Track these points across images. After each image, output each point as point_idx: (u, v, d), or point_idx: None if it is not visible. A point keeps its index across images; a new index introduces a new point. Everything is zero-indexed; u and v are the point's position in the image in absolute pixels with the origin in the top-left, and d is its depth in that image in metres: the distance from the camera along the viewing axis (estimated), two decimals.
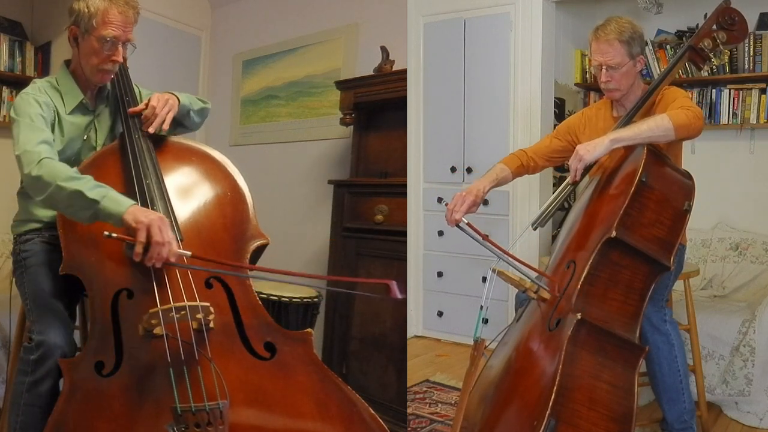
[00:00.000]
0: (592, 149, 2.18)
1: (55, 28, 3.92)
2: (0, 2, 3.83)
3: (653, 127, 2.17)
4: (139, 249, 1.74)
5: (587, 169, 2.31)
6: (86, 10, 2.04)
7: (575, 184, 2.34)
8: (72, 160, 2.14)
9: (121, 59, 2.12)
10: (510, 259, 2.19)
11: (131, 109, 2.17)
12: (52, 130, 2.07)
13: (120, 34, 2.07)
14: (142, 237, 1.74)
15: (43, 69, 3.92)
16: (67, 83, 2.17)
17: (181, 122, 2.30)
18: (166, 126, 2.15)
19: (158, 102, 2.15)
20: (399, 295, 1.70)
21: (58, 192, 1.82)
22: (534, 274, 2.20)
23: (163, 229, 1.76)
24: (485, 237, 2.21)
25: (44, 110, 2.04)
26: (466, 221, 2.32)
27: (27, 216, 2.18)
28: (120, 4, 2.06)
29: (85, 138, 2.21)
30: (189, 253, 1.81)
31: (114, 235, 1.74)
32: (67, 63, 2.21)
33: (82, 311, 2.38)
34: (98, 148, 2.22)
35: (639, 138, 2.17)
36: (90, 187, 1.81)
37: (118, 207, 1.79)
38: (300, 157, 4.05)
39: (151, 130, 2.12)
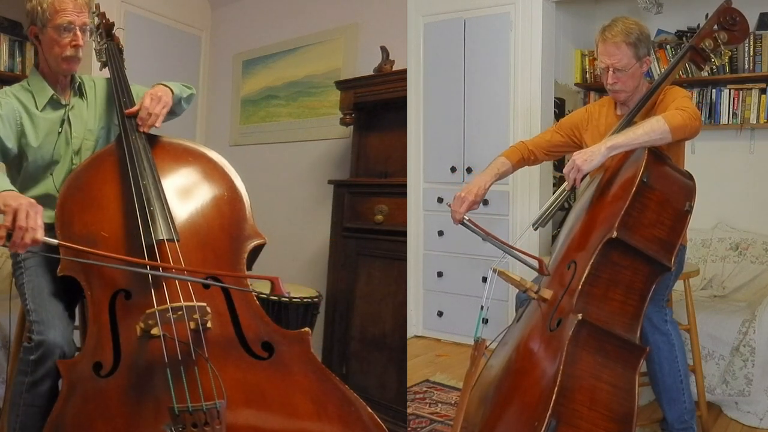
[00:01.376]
0: (590, 159, 2.16)
1: None
2: (0, 2, 3.83)
3: (649, 131, 2.15)
4: (1, 233, 1.69)
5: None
6: (39, 7, 2.13)
7: (573, 190, 2.34)
8: (51, 157, 2.20)
9: (81, 43, 2.17)
10: (514, 251, 2.23)
11: (128, 111, 2.20)
12: (22, 131, 2.15)
13: (74, 18, 2.14)
14: (7, 220, 1.70)
15: None
16: (36, 82, 2.23)
17: (173, 110, 2.34)
18: (158, 124, 2.19)
19: (151, 102, 2.19)
20: (284, 292, 1.80)
21: None
22: (536, 263, 2.21)
23: (30, 215, 1.70)
24: (487, 232, 2.26)
25: (3, 111, 2.11)
26: (468, 218, 2.38)
27: None
28: None
29: (59, 131, 2.23)
30: (55, 241, 1.78)
31: None
32: (37, 66, 2.28)
33: (82, 311, 2.37)
34: (75, 144, 2.25)
35: (635, 143, 2.16)
36: None
37: None
38: (300, 157, 4.05)
39: (146, 130, 2.17)
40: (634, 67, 2.41)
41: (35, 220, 1.71)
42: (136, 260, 1.86)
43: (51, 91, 2.22)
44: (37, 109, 2.20)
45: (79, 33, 2.15)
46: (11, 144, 2.13)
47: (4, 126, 2.11)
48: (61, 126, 2.24)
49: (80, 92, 2.31)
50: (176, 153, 2.21)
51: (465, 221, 2.39)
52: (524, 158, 2.68)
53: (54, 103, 2.23)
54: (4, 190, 1.78)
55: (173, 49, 4.41)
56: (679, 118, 2.17)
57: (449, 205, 2.50)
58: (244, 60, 4.49)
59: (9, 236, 1.69)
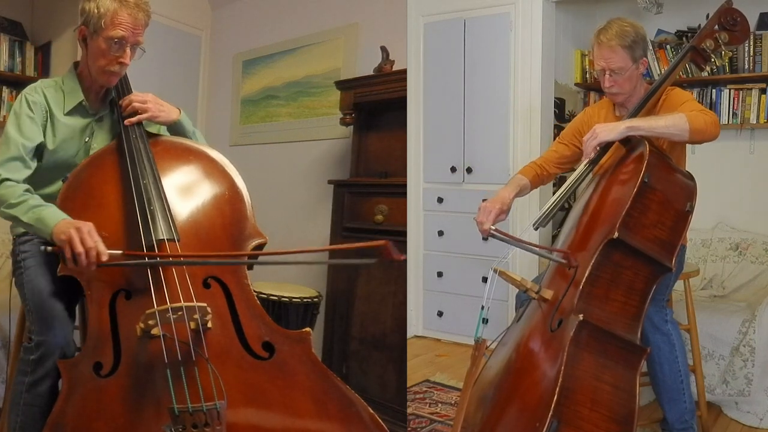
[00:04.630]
0: (609, 130, 2.20)
1: (55, 28, 3.91)
2: (0, 2, 3.82)
3: (670, 125, 2.18)
4: (68, 255, 1.81)
5: (604, 151, 2.30)
6: (96, 10, 2.05)
7: (592, 163, 2.34)
8: (67, 162, 2.17)
9: (128, 61, 2.12)
10: (547, 252, 2.24)
11: (124, 98, 2.18)
12: (44, 131, 2.11)
13: (128, 35, 2.07)
14: (67, 253, 1.81)
15: (43, 69, 3.92)
16: (70, 84, 2.18)
17: (175, 129, 2.31)
18: (139, 117, 2.15)
19: (153, 99, 2.19)
20: (397, 256, 1.65)
21: (4, 213, 1.99)
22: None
23: (84, 239, 1.80)
24: (517, 239, 2.24)
25: (34, 112, 2.09)
26: (494, 228, 2.33)
27: None
28: (130, 6, 2.06)
29: (86, 140, 2.21)
30: (120, 252, 1.86)
31: (49, 249, 1.84)
32: (76, 65, 2.22)
33: (82, 311, 2.37)
34: (93, 152, 2.21)
35: (654, 131, 2.19)
36: (25, 210, 1.93)
37: (46, 228, 1.87)
38: (300, 157, 4.04)
39: (127, 112, 2.16)
40: (631, 69, 2.41)
41: (89, 241, 1.81)
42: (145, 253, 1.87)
43: (81, 97, 2.17)
44: (63, 111, 2.15)
45: (129, 51, 2.10)
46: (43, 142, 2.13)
47: (37, 127, 2.09)
48: (85, 135, 2.21)
49: (112, 105, 2.26)
50: (177, 152, 2.20)
51: (493, 231, 2.31)
52: (538, 174, 2.67)
53: (81, 110, 2.19)
54: (55, 225, 1.86)
55: (173, 49, 4.40)
56: (702, 122, 2.19)
57: (475, 219, 2.44)
58: (244, 60, 4.49)
59: (74, 259, 1.81)
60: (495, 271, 2.20)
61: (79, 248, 1.78)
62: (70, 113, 2.16)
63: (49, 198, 2.02)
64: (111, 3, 2.05)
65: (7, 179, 1.98)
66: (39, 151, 2.12)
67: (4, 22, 3.81)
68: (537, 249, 2.27)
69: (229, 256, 2.03)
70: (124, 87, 2.25)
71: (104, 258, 1.81)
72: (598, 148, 2.24)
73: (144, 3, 2.11)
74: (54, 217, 1.88)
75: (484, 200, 2.57)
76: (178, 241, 1.93)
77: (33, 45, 3.91)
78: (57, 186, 2.17)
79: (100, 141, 2.23)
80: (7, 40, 3.77)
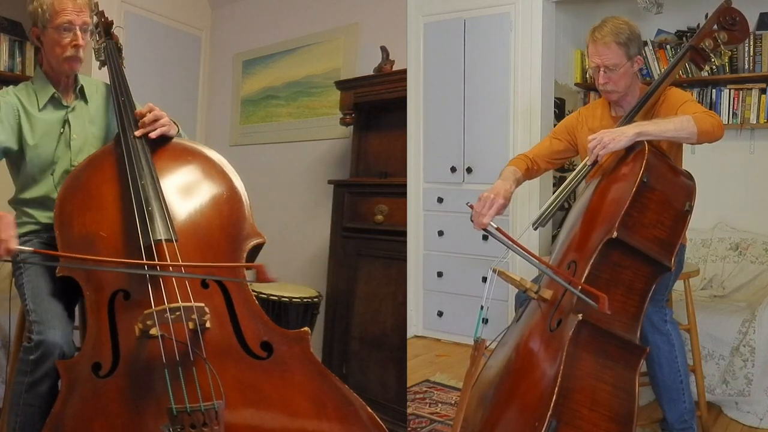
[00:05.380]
0: (618, 138, 2.15)
1: None
2: (0, 2, 3.82)
3: (679, 128, 2.17)
4: None
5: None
6: (40, 8, 2.15)
7: (593, 164, 2.31)
8: (49, 158, 2.21)
9: (82, 43, 2.19)
10: (542, 265, 2.14)
11: (138, 111, 2.20)
12: (20, 130, 2.17)
13: (74, 18, 2.15)
14: None
15: None
16: (39, 82, 2.25)
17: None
18: (154, 135, 2.16)
19: (162, 114, 2.19)
20: (270, 277, 1.74)
21: None
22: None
23: (0, 228, 1.72)
24: (515, 242, 2.07)
25: (2, 109, 2.14)
26: (495, 225, 2.17)
27: (24, 218, 2.21)
28: None
29: (62, 131, 2.24)
30: (31, 249, 1.86)
31: None
32: (41, 65, 2.30)
33: (82, 311, 2.37)
34: (76, 145, 2.25)
35: (664, 135, 2.19)
36: None
37: None
38: (300, 157, 4.05)
39: (139, 134, 2.14)
40: (625, 66, 2.41)
41: (6, 232, 1.73)
42: (133, 262, 1.86)
43: (53, 90, 2.24)
44: (38, 108, 2.21)
45: (79, 33, 2.16)
46: (12, 143, 2.15)
47: (3, 127, 2.12)
48: (62, 127, 2.24)
49: (83, 95, 2.32)
50: (175, 152, 2.20)
51: (491, 228, 2.17)
52: (529, 168, 2.64)
53: (55, 103, 2.25)
54: None
55: (173, 49, 4.41)
56: (708, 124, 2.19)
57: (471, 207, 2.28)
58: (244, 60, 4.49)
59: None
60: (494, 271, 2.20)
61: None
62: (44, 108, 2.22)
63: (38, 200, 2.03)
64: None
65: None
66: (20, 152, 2.17)
67: (4, 22, 3.81)
68: (531, 258, 2.08)
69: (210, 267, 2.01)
70: (120, 84, 2.27)
71: (13, 250, 1.73)
72: (604, 155, 2.21)
73: None
74: None
75: None
76: (176, 241, 1.93)
77: (33, 45, 3.91)
78: (45, 187, 2.20)
79: (78, 131, 2.27)
80: (7, 40, 3.77)
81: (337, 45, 3.89)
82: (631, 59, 2.42)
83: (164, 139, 2.21)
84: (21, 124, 2.17)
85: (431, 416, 3.07)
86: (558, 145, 2.68)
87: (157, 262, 1.87)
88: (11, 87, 2.25)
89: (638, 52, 2.46)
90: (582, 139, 2.56)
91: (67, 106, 2.27)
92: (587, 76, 4.29)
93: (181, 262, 1.90)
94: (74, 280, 1.92)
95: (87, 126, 2.30)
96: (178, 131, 2.30)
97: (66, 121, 2.26)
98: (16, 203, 2.26)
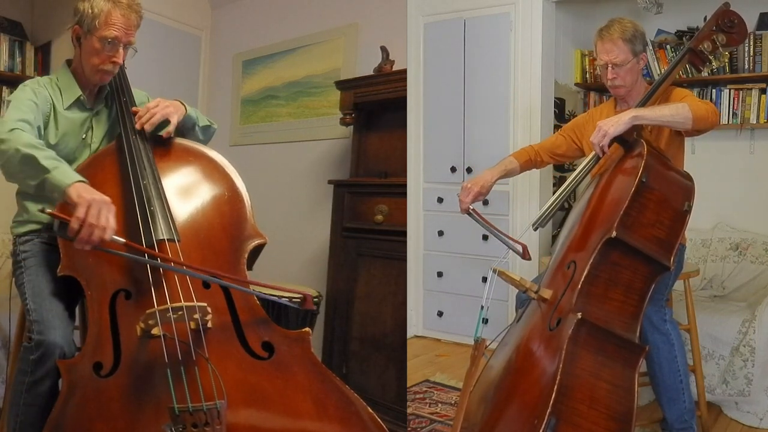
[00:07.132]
0: (616, 124, 2.21)
1: (55, 28, 3.92)
2: (0, 2, 3.83)
3: (674, 113, 2.24)
4: (74, 224, 1.66)
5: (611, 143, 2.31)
6: (90, 10, 2.08)
7: (595, 161, 2.39)
8: (68, 157, 2.15)
9: (121, 61, 2.15)
10: (513, 243, 2.45)
11: (134, 108, 2.20)
12: (46, 125, 2.12)
13: (121, 35, 2.10)
14: (80, 212, 1.67)
15: (43, 69, 3.92)
16: (66, 80, 2.20)
17: (184, 134, 2.32)
18: (148, 126, 2.15)
19: (156, 105, 2.18)
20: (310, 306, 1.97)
21: (14, 155, 1.81)
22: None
23: (103, 212, 1.70)
24: (491, 224, 2.50)
25: (38, 99, 2.08)
26: (473, 208, 2.56)
27: (26, 217, 2.19)
28: (123, 7, 2.10)
29: (83, 137, 2.22)
30: (123, 240, 1.76)
31: (48, 210, 1.69)
32: (69, 62, 2.25)
33: (82, 311, 2.37)
34: (94, 147, 2.24)
35: (659, 120, 2.25)
36: (46, 156, 1.80)
37: (65, 179, 1.75)
38: (300, 157, 4.05)
39: (137, 126, 2.14)
40: (632, 63, 2.50)
41: (108, 219, 1.71)
42: (154, 253, 1.86)
43: (79, 92, 2.20)
44: (63, 106, 2.17)
45: (121, 51, 2.13)
46: (41, 131, 2.10)
47: (38, 114, 2.07)
48: (85, 130, 2.23)
49: (107, 100, 2.29)
50: (176, 153, 2.21)
51: (470, 211, 2.55)
52: (531, 159, 2.76)
53: (80, 105, 2.21)
54: (77, 181, 1.75)
55: (173, 49, 4.41)
56: (703, 110, 2.26)
57: (458, 195, 2.60)
58: (244, 60, 4.49)
59: (77, 230, 1.66)
60: (494, 271, 2.21)
61: (95, 219, 1.68)
62: (69, 108, 2.19)
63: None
64: (105, 3, 2.08)
65: (20, 129, 1.89)
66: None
67: (4, 22, 3.81)
68: (501, 235, 2.49)
69: (220, 275, 2.01)
70: (122, 85, 2.27)
71: (107, 240, 1.71)
72: (608, 144, 2.25)
73: (136, 4, 2.14)
74: (73, 174, 1.78)
75: None
76: (178, 241, 1.93)
77: (33, 45, 3.91)
78: None
79: (97, 135, 2.26)
80: (7, 40, 3.77)
81: (337, 45, 3.89)
82: (636, 56, 2.50)
83: (166, 140, 2.22)
84: (48, 119, 2.13)
85: (431, 416, 3.07)
86: (560, 141, 2.77)
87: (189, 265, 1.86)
88: (39, 79, 2.19)
89: (643, 50, 2.54)
90: (585, 138, 2.59)
91: (91, 109, 2.24)
92: (587, 76, 4.30)
93: (183, 262, 1.90)
94: (75, 279, 1.92)
95: (108, 131, 2.28)
96: (187, 112, 2.25)
97: (89, 124, 2.24)
98: (22, 197, 2.20)
